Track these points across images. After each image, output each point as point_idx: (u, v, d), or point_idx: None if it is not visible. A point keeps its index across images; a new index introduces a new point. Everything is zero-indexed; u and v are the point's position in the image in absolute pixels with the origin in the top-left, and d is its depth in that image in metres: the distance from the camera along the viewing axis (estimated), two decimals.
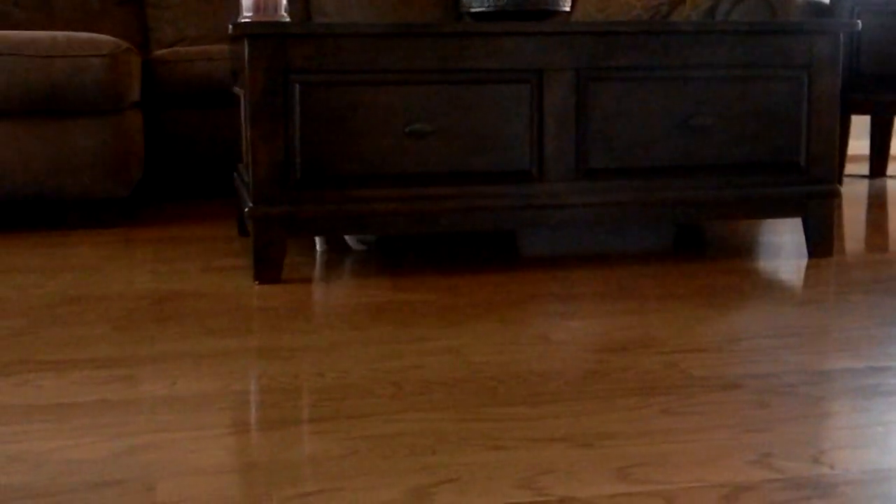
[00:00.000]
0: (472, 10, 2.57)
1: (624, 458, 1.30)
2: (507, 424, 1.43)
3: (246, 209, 2.35)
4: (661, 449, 1.33)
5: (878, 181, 4.23)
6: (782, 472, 1.25)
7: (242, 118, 2.59)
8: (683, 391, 1.56)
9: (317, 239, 2.74)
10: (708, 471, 1.26)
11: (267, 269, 2.34)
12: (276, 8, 2.47)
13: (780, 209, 2.54)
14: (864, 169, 4.42)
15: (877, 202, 3.69)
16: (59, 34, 3.08)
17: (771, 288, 2.29)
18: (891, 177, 4.31)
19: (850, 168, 4.64)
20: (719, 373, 1.65)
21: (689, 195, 2.49)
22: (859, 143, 4.94)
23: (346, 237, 2.74)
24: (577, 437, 1.38)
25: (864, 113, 4.08)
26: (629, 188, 2.47)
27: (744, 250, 2.70)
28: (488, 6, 2.55)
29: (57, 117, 3.08)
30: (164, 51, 3.80)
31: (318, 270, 2.49)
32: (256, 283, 2.34)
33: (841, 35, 2.52)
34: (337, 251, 2.72)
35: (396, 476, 1.26)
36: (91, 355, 1.79)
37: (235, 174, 2.91)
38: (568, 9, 2.60)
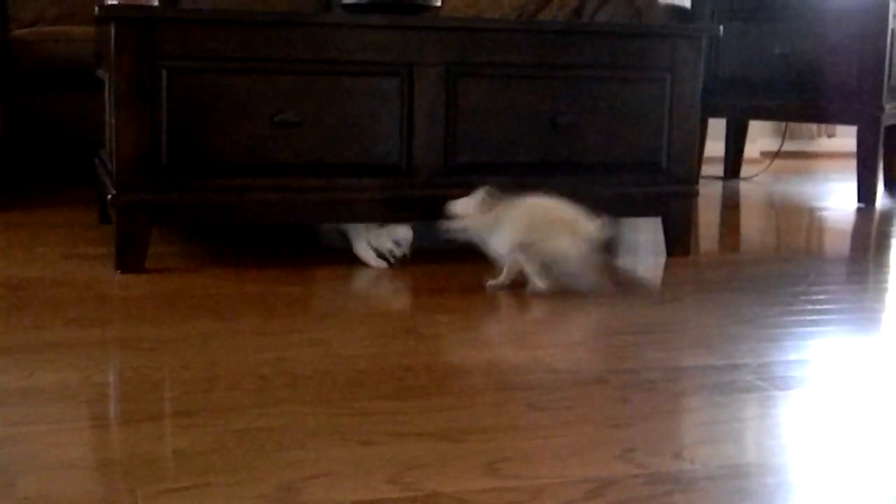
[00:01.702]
0: (344, 1, 2.56)
1: (491, 452, 1.32)
2: (375, 419, 1.43)
3: (109, 196, 2.30)
4: (527, 443, 1.35)
5: (731, 183, 4.36)
6: (645, 467, 1.28)
7: (106, 103, 2.53)
8: (549, 385, 1.59)
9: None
10: (573, 466, 1.28)
11: (130, 258, 2.29)
12: None
13: (642, 208, 2.60)
14: (719, 170, 4.55)
15: (731, 203, 3.80)
16: None
17: (631, 285, 2.34)
18: (744, 179, 4.45)
19: (705, 169, 4.77)
20: (583, 368, 1.69)
21: (555, 192, 2.52)
22: (714, 144, 5.08)
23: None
24: (446, 431, 1.39)
25: (720, 116, 4.20)
26: (496, 184, 2.49)
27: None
28: None
29: None
30: (23, 31, 3.69)
31: (182, 261, 2.45)
32: (118, 271, 2.29)
33: (703, 39, 2.59)
34: (200, 241, 2.68)
35: (264, 471, 1.25)
36: None
37: (97, 160, 2.85)
38: (439, 4, 2.61)
